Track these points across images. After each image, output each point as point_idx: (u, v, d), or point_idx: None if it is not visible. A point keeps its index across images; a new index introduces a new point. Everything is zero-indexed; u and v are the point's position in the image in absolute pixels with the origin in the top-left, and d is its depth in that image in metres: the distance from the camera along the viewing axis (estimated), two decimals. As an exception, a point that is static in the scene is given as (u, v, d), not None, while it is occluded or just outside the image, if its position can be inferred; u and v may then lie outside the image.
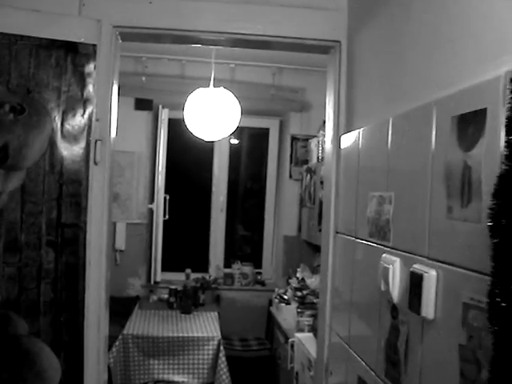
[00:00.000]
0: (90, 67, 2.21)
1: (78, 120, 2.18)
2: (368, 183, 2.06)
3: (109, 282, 2.33)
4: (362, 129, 2.20)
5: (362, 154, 2.18)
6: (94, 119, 2.24)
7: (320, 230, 4.85)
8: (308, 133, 5.76)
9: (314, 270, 5.23)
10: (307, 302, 4.87)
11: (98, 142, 2.25)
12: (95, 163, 2.25)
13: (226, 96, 3.92)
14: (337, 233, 2.49)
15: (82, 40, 2.17)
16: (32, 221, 2.08)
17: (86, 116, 2.21)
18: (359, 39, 2.44)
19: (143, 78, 5.47)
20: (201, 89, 3.93)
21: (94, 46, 2.21)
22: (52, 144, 2.12)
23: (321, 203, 4.67)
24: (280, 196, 6.06)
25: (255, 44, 2.60)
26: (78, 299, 2.14)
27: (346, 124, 2.54)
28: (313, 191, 4.99)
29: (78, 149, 2.19)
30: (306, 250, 5.45)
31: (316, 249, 5.21)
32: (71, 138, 2.16)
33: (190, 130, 3.99)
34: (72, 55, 2.16)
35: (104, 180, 2.28)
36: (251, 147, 6.31)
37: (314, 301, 4.90)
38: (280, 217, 6.03)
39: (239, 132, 5.94)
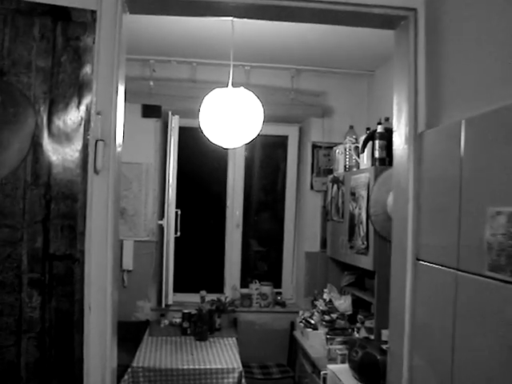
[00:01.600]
0: (87, 41, 1.57)
1: (72, 113, 1.54)
2: (484, 195, 1.40)
3: (115, 331, 1.66)
4: (464, 120, 1.55)
5: (470, 154, 1.52)
6: (93, 112, 1.59)
7: (351, 247, 4.25)
8: (330, 140, 5.13)
9: (343, 291, 4.58)
10: (337, 328, 4.21)
11: (100, 143, 1.60)
12: (96, 172, 1.60)
13: (247, 97, 3.28)
14: (418, 260, 1.82)
15: (77, 4, 1.52)
16: (8, 252, 1.43)
17: (83, 107, 1.57)
18: (443, 3, 1.78)
19: (151, 83, 4.85)
20: (218, 89, 3.29)
21: (93, 12, 1.56)
22: (35, 145, 1.47)
23: (352, 217, 4.02)
24: (300, 209, 5.41)
25: (293, 14, 1.88)
26: (74, 360, 1.49)
27: (426, 117, 1.87)
28: (341, 204, 4.34)
29: (71, 152, 1.55)
30: (333, 269, 4.78)
31: (344, 267, 4.55)
32: (62, 137, 1.51)
33: (206, 135, 3.34)
34: (63, 24, 1.52)
35: (108, 194, 1.63)
36: (265, 156, 5.66)
37: (345, 325, 4.24)
38: (301, 231, 5.38)
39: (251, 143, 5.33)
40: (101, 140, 1.63)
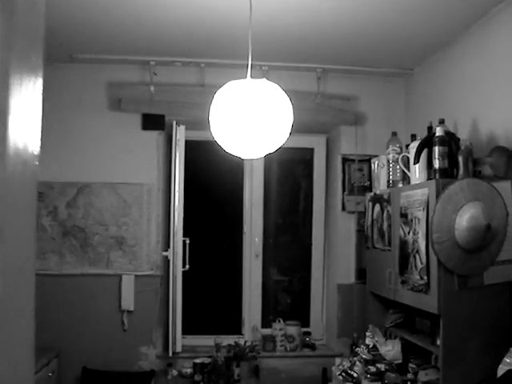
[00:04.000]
0: None
1: None
2: None
3: None
4: None
5: None
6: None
7: (404, 282, 3.35)
8: (364, 152, 4.28)
9: (388, 333, 3.68)
10: (387, 383, 3.32)
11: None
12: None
13: (271, 91, 2.43)
14: None
15: None
16: None
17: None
18: None
19: (151, 88, 4.04)
20: (234, 82, 2.45)
21: None
22: None
23: (403, 244, 3.15)
24: (330, 233, 4.53)
25: None
26: None
27: None
28: (386, 227, 3.46)
29: None
30: (373, 305, 3.88)
31: (387, 303, 3.66)
32: None
33: (217, 143, 2.49)
34: None
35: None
36: (285, 173, 4.83)
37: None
38: (331, 260, 4.49)
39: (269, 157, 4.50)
40: None
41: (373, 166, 3.88)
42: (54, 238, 4.10)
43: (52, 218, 4.11)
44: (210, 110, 2.44)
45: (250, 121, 2.35)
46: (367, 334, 3.63)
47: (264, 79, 2.46)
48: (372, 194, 3.78)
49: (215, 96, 2.45)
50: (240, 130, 2.38)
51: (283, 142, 2.49)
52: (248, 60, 2.53)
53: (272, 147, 2.48)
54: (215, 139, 2.49)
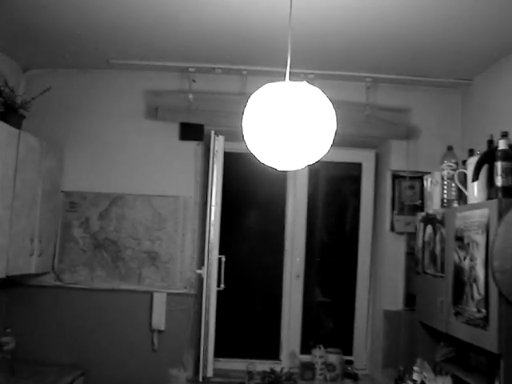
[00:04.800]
0: None
1: None
2: None
3: None
4: None
5: None
6: None
7: (457, 314, 2.98)
8: (416, 168, 3.94)
9: (438, 368, 3.31)
10: (437, 426, 2.96)
11: None
12: None
13: (312, 95, 2.15)
14: None
15: None
16: None
17: None
18: None
19: (190, 96, 3.83)
20: (270, 84, 2.18)
21: None
22: None
23: (458, 271, 2.80)
24: (377, 255, 4.19)
25: None
26: None
27: None
28: (439, 251, 3.11)
29: None
30: (422, 336, 3.51)
31: (439, 335, 3.29)
32: None
33: (251, 152, 2.22)
34: None
35: None
36: (330, 189, 4.52)
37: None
38: (378, 284, 4.15)
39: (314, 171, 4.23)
40: None
41: (425, 183, 3.55)
42: (85, 250, 3.92)
43: (84, 230, 3.93)
44: (244, 115, 2.18)
45: (288, 128, 2.07)
46: (415, 368, 3.27)
47: (304, 82, 2.18)
48: (424, 213, 3.44)
49: (249, 100, 2.19)
50: (276, 138, 2.11)
51: (324, 153, 2.20)
52: (287, 61, 2.27)
53: (312, 158, 2.19)
54: (248, 148, 2.22)
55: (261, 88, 2.19)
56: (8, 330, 3.55)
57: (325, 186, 4.47)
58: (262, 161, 2.25)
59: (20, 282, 3.81)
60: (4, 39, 3.51)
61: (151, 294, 3.89)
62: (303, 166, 2.24)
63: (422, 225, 3.44)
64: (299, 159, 2.19)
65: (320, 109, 2.14)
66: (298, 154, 2.15)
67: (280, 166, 2.26)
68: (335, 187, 4.54)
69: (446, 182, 3.22)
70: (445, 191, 3.22)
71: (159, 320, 3.87)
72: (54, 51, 3.70)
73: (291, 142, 2.09)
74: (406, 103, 4.01)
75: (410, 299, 3.83)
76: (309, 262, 4.31)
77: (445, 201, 3.22)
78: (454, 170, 3.17)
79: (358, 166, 4.32)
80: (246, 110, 2.18)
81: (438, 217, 3.15)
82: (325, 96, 2.17)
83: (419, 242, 3.44)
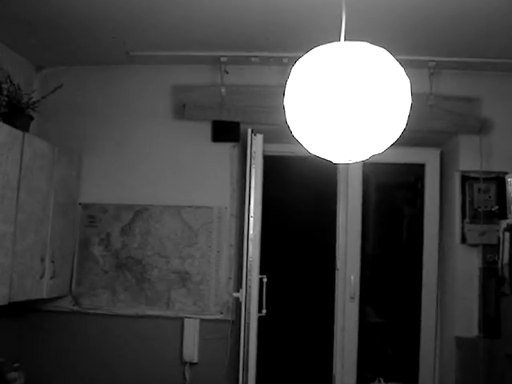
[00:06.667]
0: None
1: None
2: None
3: None
4: None
5: None
6: None
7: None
8: (490, 168, 3.32)
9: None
10: None
11: None
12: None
13: (378, 60, 1.57)
14: None
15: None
16: None
17: None
18: None
19: (222, 90, 3.31)
20: (321, 47, 1.61)
21: None
22: None
23: None
24: (445, 270, 3.55)
25: None
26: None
27: None
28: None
29: None
30: (509, 371, 2.86)
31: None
32: None
33: (296, 138, 1.64)
34: None
35: None
36: (382, 196, 3.97)
37: None
38: (447, 305, 3.51)
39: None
40: None
41: (507, 185, 2.91)
42: (107, 270, 3.43)
43: (104, 247, 3.43)
44: (286, 89, 1.61)
45: (347, 104, 1.50)
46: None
47: (365, 43, 1.60)
48: (506, 222, 2.80)
49: (293, 69, 1.62)
50: (330, 119, 1.53)
51: (396, 138, 1.62)
52: (342, 18, 1.71)
53: (380, 145, 1.61)
54: (293, 134, 1.65)
55: (308, 53, 1.63)
56: (16, 365, 3.07)
57: (377, 195, 3.92)
58: (311, 151, 1.68)
59: (32, 307, 3.35)
60: (14, 35, 3.12)
61: (182, 320, 3.39)
62: (368, 157, 1.65)
63: (503, 236, 2.80)
64: (363, 147, 1.60)
65: (389, 77, 1.55)
66: (362, 139, 1.57)
67: (336, 158, 1.68)
68: (388, 196, 4.02)
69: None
70: (536, 193, 2.59)
71: (191, 351, 3.37)
72: (67, 46, 3.30)
73: (351, 124, 1.51)
74: (476, 91, 3.40)
75: (487, 324, 3.20)
76: (361, 277, 3.71)
77: (537, 205, 2.59)
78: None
79: (414, 172, 3.75)
80: (289, 82, 1.62)
81: (531, 224, 2.52)
82: (394, 60, 1.60)
83: (504, 257, 2.80)
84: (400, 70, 1.58)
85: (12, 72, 3.08)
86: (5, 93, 2.96)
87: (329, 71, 1.53)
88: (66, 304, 3.43)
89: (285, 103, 1.62)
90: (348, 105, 1.49)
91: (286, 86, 1.61)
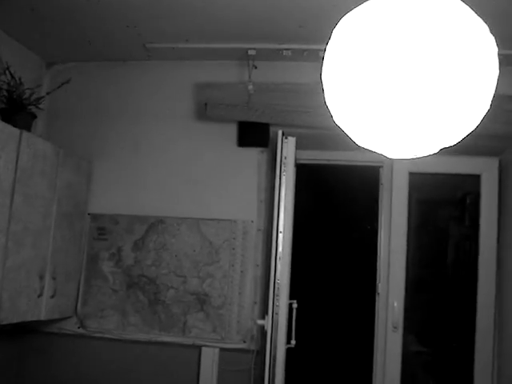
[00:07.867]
0: None
1: None
2: None
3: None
4: None
5: None
6: None
7: None
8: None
9: None
10: None
11: None
12: None
13: (454, 14, 1.14)
14: None
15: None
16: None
17: None
18: None
19: (250, 87, 2.92)
20: (369, 2, 1.20)
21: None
22: None
23: None
24: (503, 297, 3.07)
25: None
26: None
27: None
28: None
29: None
30: None
31: None
32: None
33: (338, 125, 1.23)
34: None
35: None
36: (423, 214, 3.50)
37: None
38: (506, 337, 3.02)
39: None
40: None
41: None
42: (116, 290, 3.07)
43: (114, 264, 3.08)
44: (325, 58, 1.21)
45: (412, 75, 1.07)
46: None
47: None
48: None
49: (334, 32, 1.22)
50: (388, 97, 1.10)
51: (477, 124, 1.19)
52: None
53: (456, 133, 1.18)
54: (334, 120, 1.23)
55: (355, 9, 1.21)
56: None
57: (418, 213, 3.48)
58: (359, 143, 1.25)
59: (34, 329, 3.01)
60: (23, 28, 2.84)
61: (199, 348, 3.02)
62: (438, 150, 1.22)
63: None
64: (429, 138, 1.17)
65: (471, 37, 1.13)
66: (428, 128, 1.13)
67: (393, 152, 1.25)
68: (429, 210, 3.59)
69: None
70: None
71: (209, 383, 2.93)
72: (78, 39, 3.01)
73: (418, 103, 1.08)
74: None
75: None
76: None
77: None
78: None
79: (460, 187, 3.32)
80: (330, 48, 1.20)
81: None
82: (479, 19, 1.17)
83: None
84: (484, 28, 1.15)
85: (21, 68, 2.82)
86: (4, 86, 2.64)
87: (386, 30, 1.11)
88: (71, 326, 3.09)
89: (323, 77, 1.21)
90: (414, 76, 1.06)
91: (325, 54, 1.20)
